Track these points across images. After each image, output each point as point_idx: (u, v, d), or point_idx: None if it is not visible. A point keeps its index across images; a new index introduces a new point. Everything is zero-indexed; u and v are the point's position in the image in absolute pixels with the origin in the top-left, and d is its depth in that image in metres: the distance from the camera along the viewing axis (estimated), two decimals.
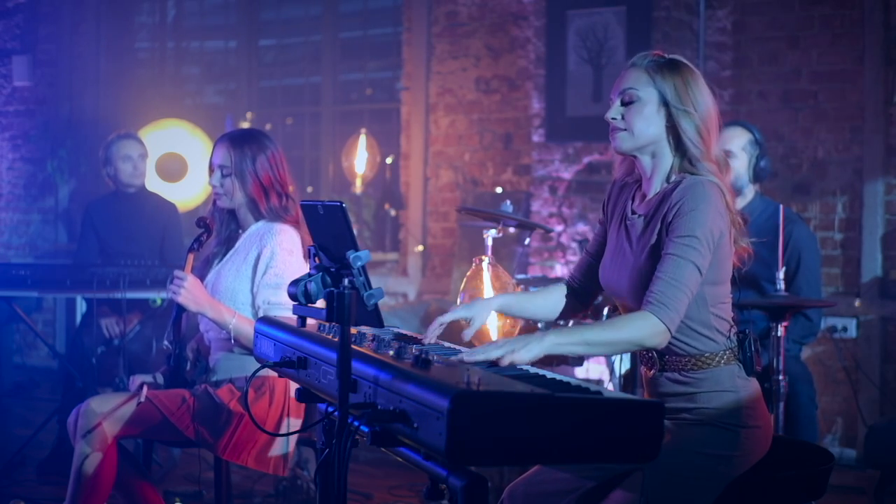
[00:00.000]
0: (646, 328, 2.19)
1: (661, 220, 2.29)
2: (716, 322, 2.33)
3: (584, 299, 2.62)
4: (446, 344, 2.39)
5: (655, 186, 2.38)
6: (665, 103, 2.32)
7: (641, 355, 2.42)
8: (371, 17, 6.77)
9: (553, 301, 2.59)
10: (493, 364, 2.11)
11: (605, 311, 3.81)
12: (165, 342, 3.29)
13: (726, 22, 5.33)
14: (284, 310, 3.11)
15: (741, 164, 3.97)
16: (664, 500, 2.23)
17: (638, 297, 2.30)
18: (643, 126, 2.33)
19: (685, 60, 2.40)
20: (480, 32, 6.06)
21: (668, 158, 2.36)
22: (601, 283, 2.49)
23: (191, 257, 3.28)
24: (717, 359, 2.33)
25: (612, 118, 2.36)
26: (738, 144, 3.97)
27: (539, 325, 3.88)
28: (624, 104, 2.35)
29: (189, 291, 3.12)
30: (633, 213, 2.41)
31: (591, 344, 2.21)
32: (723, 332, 2.35)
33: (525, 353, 2.12)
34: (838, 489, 4.35)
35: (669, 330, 2.21)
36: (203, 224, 3.34)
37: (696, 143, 2.31)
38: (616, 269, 2.42)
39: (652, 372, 2.39)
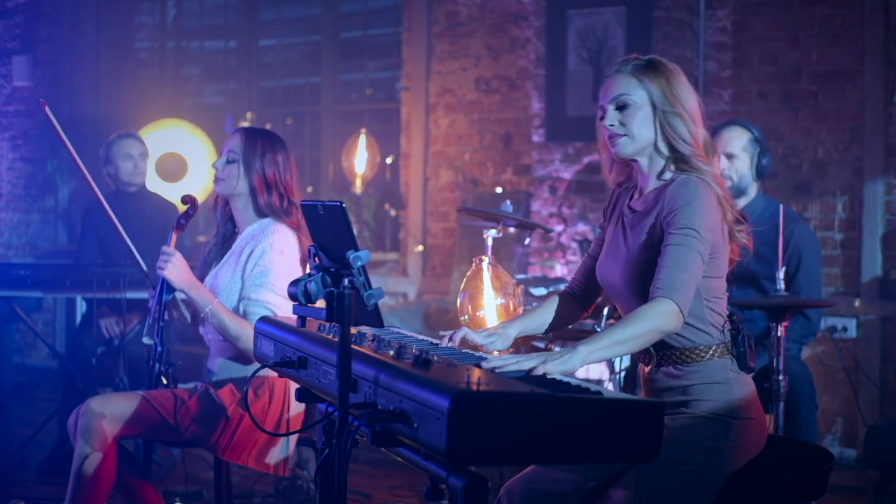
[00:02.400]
0: (663, 314, 2.23)
1: (656, 216, 2.35)
2: (710, 315, 2.36)
3: (586, 303, 2.66)
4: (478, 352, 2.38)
5: (651, 184, 2.44)
6: (654, 106, 2.39)
7: (638, 353, 2.44)
8: (371, 17, 6.77)
9: (554, 314, 2.62)
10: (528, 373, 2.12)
11: (605, 310, 3.81)
12: (146, 338, 3.27)
13: (726, 22, 5.33)
14: (263, 308, 3.11)
15: (743, 165, 3.97)
16: (659, 496, 2.24)
17: (630, 288, 2.37)
18: (640, 129, 2.39)
19: (663, 59, 2.45)
20: (480, 32, 6.06)
21: (661, 157, 2.42)
22: (598, 278, 2.54)
23: (175, 234, 3.29)
24: (710, 351, 2.36)
25: (611, 125, 2.41)
26: (739, 145, 3.98)
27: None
28: (618, 109, 2.40)
29: (175, 265, 3.14)
30: (630, 209, 2.47)
31: (621, 342, 2.23)
32: (717, 325, 2.38)
33: (559, 365, 2.12)
34: (838, 489, 4.35)
35: (682, 312, 2.24)
36: (189, 200, 3.34)
37: (686, 140, 2.38)
38: (610, 263, 2.47)
39: (649, 367, 2.42)
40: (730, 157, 3.98)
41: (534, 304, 3.95)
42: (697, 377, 2.34)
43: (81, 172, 3.60)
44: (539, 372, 2.10)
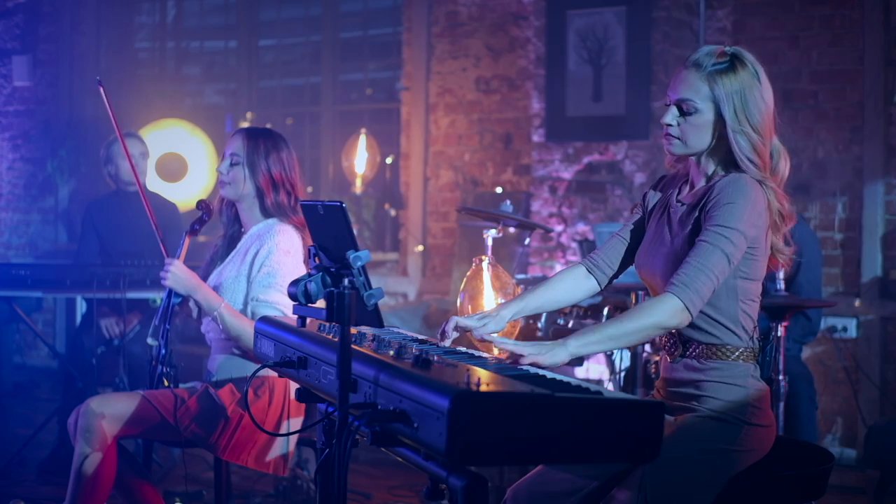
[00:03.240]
0: (666, 311, 2.23)
1: (700, 209, 2.33)
2: (742, 318, 2.36)
3: (602, 280, 2.58)
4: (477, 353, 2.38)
5: (704, 180, 2.42)
6: (721, 118, 2.33)
7: (664, 342, 2.44)
8: (371, 17, 6.77)
9: (568, 287, 2.57)
10: (514, 361, 2.15)
11: (605, 311, 3.81)
12: (150, 339, 3.26)
13: (726, 22, 5.33)
14: (272, 308, 3.11)
15: None
16: (664, 495, 2.23)
17: (669, 280, 2.32)
18: (695, 138, 2.36)
19: (746, 58, 2.35)
20: (480, 32, 6.06)
21: (718, 159, 2.39)
22: (637, 267, 2.51)
23: (188, 240, 3.28)
24: (736, 353, 2.35)
25: (668, 124, 2.38)
26: None
27: (539, 324, 3.88)
28: (681, 113, 2.36)
29: (175, 274, 3.13)
30: (679, 202, 2.45)
31: (614, 338, 2.23)
32: (748, 329, 2.37)
33: (549, 358, 2.16)
34: (838, 489, 4.36)
35: (689, 310, 2.23)
36: (203, 206, 3.34)
37: (750, 158, 2.33)
38: (652, 253, 2.45)
39: (672, 357, 2.41)
40: None
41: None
42: (716, 374, 2.33)
43: (127, 156, 3.66)
44: (527, 362, 2.13)
